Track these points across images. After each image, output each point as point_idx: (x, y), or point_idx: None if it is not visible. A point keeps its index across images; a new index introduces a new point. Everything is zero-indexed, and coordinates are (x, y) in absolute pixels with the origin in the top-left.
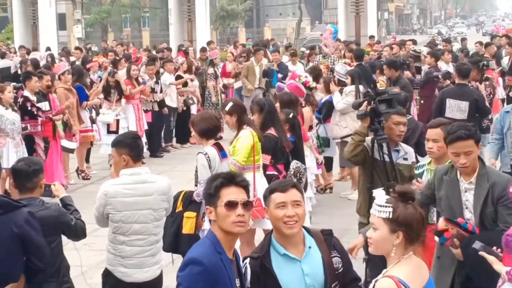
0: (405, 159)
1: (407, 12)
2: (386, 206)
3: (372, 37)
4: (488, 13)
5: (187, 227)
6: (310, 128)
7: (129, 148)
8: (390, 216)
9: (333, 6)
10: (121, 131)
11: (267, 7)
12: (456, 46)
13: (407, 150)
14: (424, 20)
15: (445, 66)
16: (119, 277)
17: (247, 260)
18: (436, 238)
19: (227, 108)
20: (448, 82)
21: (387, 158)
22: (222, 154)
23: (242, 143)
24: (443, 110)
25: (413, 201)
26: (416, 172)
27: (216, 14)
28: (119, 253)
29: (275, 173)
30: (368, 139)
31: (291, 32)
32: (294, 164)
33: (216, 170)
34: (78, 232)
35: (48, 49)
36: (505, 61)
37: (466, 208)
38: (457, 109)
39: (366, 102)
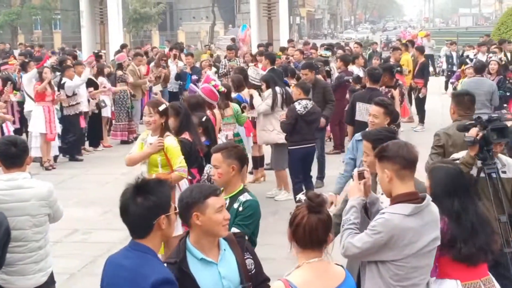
0: (504, 172)
1: (318, 17)
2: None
3: (291, 41)
4: (396, 19)
5: None
6: (219, 130)
7: None
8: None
9: (246, 10)
10: (29, 134)
11: (181, 10)
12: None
13: (506, 162)
14: (334, 25)
15: (357, 70)
16: (1, 284)
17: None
18: None
19: (160, 108)
20: (358, 86)
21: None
22: None
23: (177, 150)
24: (355, 114)
25: (319, 207)
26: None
27: (129, 17)
28: None
29: (189, 177)
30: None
31: (205, 36)
32: (208, 168)
33: None
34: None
35: None
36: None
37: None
38: (366, 112)
39: (476, 128)
